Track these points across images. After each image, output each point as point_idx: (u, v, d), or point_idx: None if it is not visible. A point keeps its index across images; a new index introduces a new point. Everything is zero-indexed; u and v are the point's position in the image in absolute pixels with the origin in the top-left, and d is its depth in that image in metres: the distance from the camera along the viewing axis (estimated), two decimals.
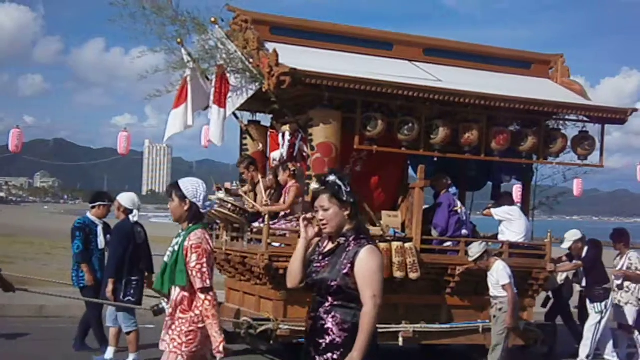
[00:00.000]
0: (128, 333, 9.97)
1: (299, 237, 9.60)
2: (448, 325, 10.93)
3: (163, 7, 10.00)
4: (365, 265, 4.68)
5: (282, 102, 10.69)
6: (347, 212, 4.82)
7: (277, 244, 10.26)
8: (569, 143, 11.40)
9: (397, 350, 10.55)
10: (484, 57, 12.15)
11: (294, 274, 4.99)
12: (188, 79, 10.80)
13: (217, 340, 5.56)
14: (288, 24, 11.20)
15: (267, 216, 10.08)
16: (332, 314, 4.77)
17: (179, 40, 10.67)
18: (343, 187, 4.85)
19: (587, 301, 11.71)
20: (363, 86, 9.92)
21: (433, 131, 10.55)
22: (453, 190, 11.32)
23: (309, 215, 4.95)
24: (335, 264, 4.78)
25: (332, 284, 4.74)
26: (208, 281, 5.63)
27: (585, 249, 11.77)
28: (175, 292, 5.76)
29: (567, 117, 11.50)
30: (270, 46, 10.52)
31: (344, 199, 4.81)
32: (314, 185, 9.73)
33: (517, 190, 19.06)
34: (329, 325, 4.76)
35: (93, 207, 10.90)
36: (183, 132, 10.99)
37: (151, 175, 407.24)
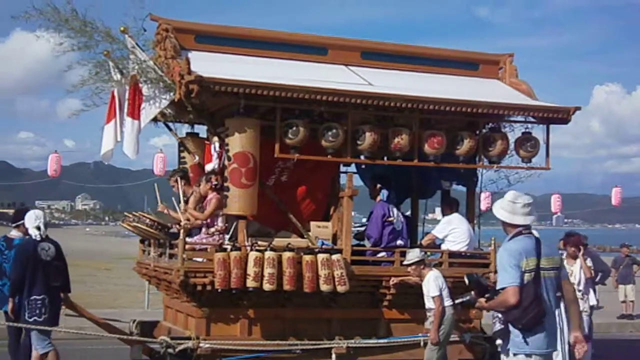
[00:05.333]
0: (44, 355, 9.63)
1: (217, 250, 9.35)
2: (385, 340, 10.44)
3: (68, 18, 9.66)
4: None
5: (200, 112, 10.37)
6: None
7: (199, 259, 9.87)
8: (511, 145, 10.85)
9: None
10: (427, 60, 11.67)
11: None
12: (115, 92, 10.51)
13: None
14: (214, 32, 10.80)
15: (182, 231, 9.70)
16: None
17: (105, 52, 10.37)
18: None
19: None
20: (278, 92, 9.51)
21: (359, 137, 10.09)
22: (383, 197, 10.78)
23: None
24: None
25: None
26: None
27: None
28: None
29: (509, 118, 10.96)
30: (194, 55, 10.19)
31: None
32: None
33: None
34: None
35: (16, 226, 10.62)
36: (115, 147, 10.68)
37: None
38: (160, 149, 22.21)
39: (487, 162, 10.98)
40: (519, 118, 11.04)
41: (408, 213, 12.26)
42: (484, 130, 10.91)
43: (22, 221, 10.35)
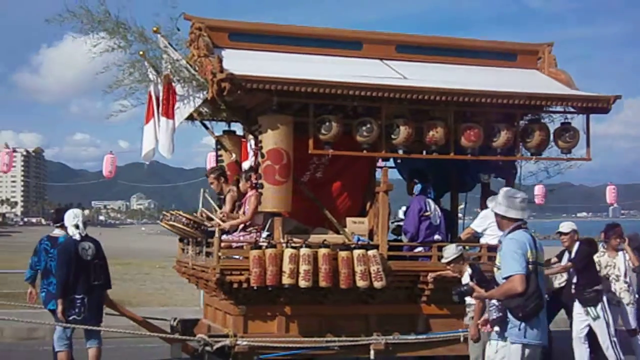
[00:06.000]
0: (58, 352, 9.82)
1: (252, 248, 9.36)
2: (425, 336, 10.34)
3: (101, 19, 9.74)
4: None
5: (236, 110, 10.39)
6: None
7: (237, 257, 9.89)
8: (549, 137, 10.65)
9: None
10: (464, 52, 11.52)
11: None
12: (152, 92, 10.58)
13: None
14: (248, 30, 10.81)
15: (217, 229, 9.71)
16: None
17: (141, 52, 10.44)
18: None
19: (576, 306, 10.90)
20: (310, 88, 9.48)
21: (394, 131, 10.00)
22: (417, 190, 10.66)
23: None
24: None
25: None
26: None
27: (576, 246, 10.98)
28: None
29: (548, 108, 10.76)
30: (227, 53, 10.23)
31: None
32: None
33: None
34: None
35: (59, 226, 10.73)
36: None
37: None
38: (213, 147, 22.43)
39: (526, 154, 10.80)
40: (558, 108, 10.85)
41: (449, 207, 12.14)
42: (521, 122, 10.71)
43: (63, 221, 10.47)
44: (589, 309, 10.69)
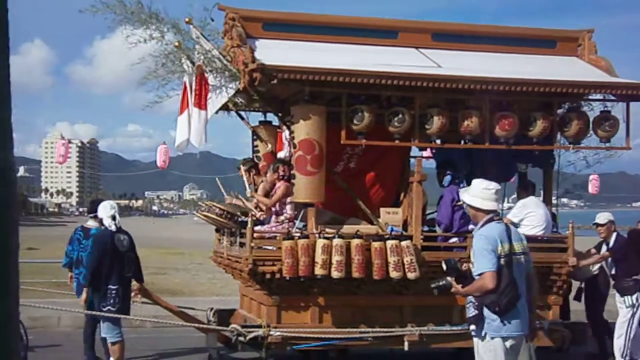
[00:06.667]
0: (113, 344, 9.84)
1: (284, 238, 9.35)
2: (459, 327, 10.22)
3: (134, 10, 9.78)
4: None
5: (270, 100, 10.38)
6: None
7: (270, 247, 9.89)
8: (589, 125, 10.43)
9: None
10: (502, 39, 11.33)
11: None
12: (187, 83, 10.61)
13: None
14: (282, 19, 10.79)
15: (250, 220, 9.71)
16: None
17: (177, 43, 10.47)
18: None
19: (617, 295, 10.71)
20: (342, 78, 9.40)
21: (428, 121, 9.89)
22: (446, 181, 10.55)
23: None
24: None
25: None
26: None
27: (613, 236, 10.78)
28: None
29: (586, 96, 10.55)
30: (262, 43, 10.21)
31: None
32: None
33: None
34: None
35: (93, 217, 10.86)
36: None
37: None
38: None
39: (565, 142, 10.62)
40: (598, 96, 10.63)
41: None
42: (560, 110, 10.51)
43: (96, 212, 10.57)
44: (625, 297, 10.52)
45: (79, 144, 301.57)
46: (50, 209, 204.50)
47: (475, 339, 6.79)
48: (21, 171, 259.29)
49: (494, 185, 6.93)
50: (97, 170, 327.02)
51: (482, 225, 6.77)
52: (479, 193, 6.81)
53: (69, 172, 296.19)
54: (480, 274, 6.57)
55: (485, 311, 6.60)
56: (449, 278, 6.92)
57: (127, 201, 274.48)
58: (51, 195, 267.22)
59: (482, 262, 6.57)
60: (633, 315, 10.45)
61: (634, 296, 10.43)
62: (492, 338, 6.61)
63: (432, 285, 7.23)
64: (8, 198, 2.13)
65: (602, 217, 11.09)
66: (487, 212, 6.79)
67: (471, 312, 6.68)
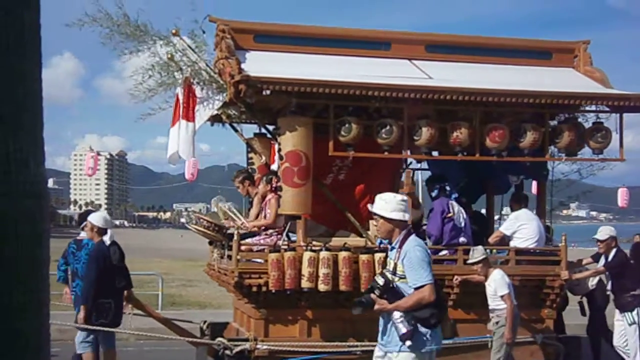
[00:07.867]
0: (82, 354, 9.87)
1: (270, 251, 9.30)
2: (451, 341, 10.10)
3: (120, 23, 9.80)
4: None
5: (262, 112, 10.36)
6: None
7: (259, 260, 9.84)
8: (581, 137, 10.30)
9: None
10: (497, 51, 11.24)
11: None
12: (179, 95, 10.61)
13: None
14: (274, 31, 10.74)
15: (235, 233, 9.68)
16: None
17: (169, 55, 10.48)
18: None
19: (616, 311, 10.55)
20: (328, 89, 9.36)
21: (416, 132, 9.81)
22: (434, 193, 10.45)
23: None
24: None
25: None
26: None
27: (613, 251, 10.61)
28: None
29: (579, 108, 10.42)
30: (252, 55, 10.20)
31: None
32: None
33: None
34: None
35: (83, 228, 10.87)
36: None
37: None
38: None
39: (558, 154, 10.50)
40: (592, 108, 10.50)
41: (483, 211, 11.90)
42: (552, 122, 10.39)
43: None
44: (625, 314, 10.35)
45: (108, 156, 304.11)
46: None
47: (405, 355, 6.51)
48: (50, 183, 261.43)
49: (403, 197, 6.90)
50: (126, 182, 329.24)
51: (406, 237, 6.57)
52: (397, 206, 6.60)
53: (97, 185, 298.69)
54: (420, 287, 6.41)
55: (419, 326, 6.43)
56: (372, 295, 6.59)
57: (155, 213, 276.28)
58: (80, 207, 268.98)
59: (421, 274, 6.43)
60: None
61: (634, 312, 10.26)
62: (425, 352, 6.49)
63: (354, 302, 6.91)
64: (40, 211, 2.17)
65: (603, 233, 10.91)
66: (406, 224, 6.66)
67: (405, 327, 6.39)
